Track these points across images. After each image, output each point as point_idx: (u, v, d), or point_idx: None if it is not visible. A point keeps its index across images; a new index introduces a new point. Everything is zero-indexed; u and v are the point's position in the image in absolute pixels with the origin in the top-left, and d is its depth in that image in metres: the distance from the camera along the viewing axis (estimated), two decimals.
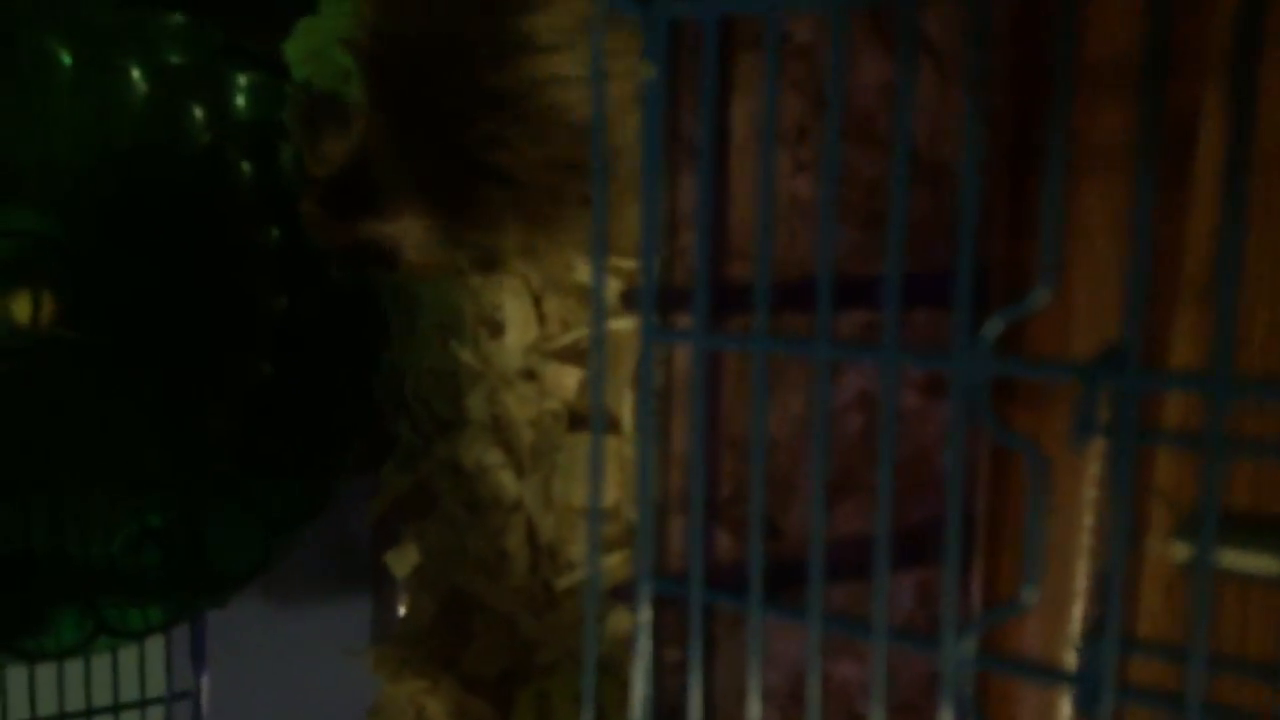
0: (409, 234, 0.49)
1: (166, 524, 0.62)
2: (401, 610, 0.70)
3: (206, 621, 0.70)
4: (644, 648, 0.25)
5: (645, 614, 0.25)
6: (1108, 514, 0.19)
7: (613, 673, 0.51)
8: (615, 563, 0.50)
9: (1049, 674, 0.23)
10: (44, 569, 0.61)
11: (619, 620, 0.51)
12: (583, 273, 0.51)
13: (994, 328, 0.20)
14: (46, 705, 0.65)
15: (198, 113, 0.59)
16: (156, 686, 0.69)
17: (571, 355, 0.53)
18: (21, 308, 0.53)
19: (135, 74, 0.57)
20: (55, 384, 0.60)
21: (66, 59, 0.55)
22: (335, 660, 0.74)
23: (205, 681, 0.69)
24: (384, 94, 0.47)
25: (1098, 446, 0.26)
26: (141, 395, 0.61)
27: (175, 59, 0.56)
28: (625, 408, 0.50)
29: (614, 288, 0.48)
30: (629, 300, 0.26)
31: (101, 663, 0.67)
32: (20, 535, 0.61)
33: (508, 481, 0.59)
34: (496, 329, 0.58)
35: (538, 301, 0.55)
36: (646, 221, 0.24)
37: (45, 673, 0.65)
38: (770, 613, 0.25)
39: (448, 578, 0.65)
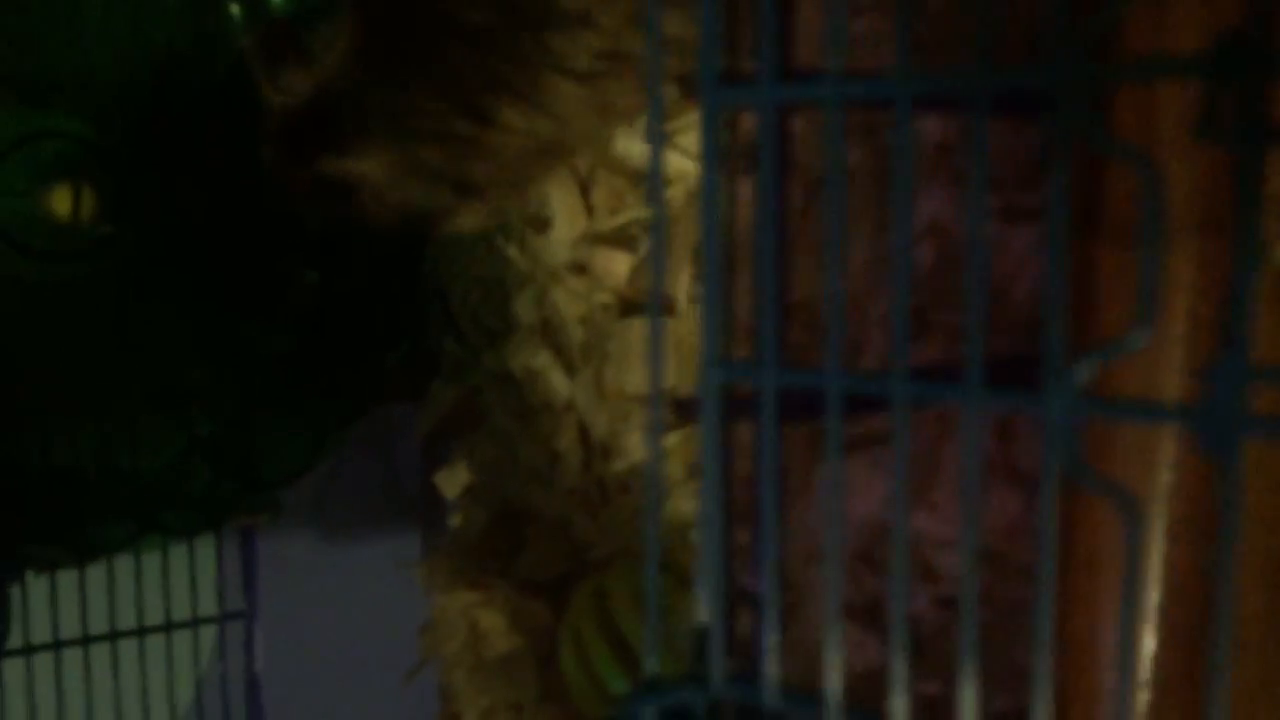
0: (378, 170, 0.46)
1: (214, 433, 0.61)
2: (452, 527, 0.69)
3: (257, 540, 0.69)
4: (712, 448, 0.24)
5: (711, 408, 0.24)
6: (1229, 229, 0.17)
7: (671, 567, 0.50)
8: (671, 444, 0.49)
9: (1167, 414, 0.21)
10: (94, 482, 0.60)
11: (676, 510, 0.49)
12: (631, 151, 0.49)
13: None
14: (98, 624, 0.65)
15: (234, 10, 0.58)
16: (209, 607, 0.69)
17: (621, 240, 0.52)
18: (62, 203, 0.53)
19: None
20: (99, 293, 0.59)
21: None
22: (387, 580, 0.73)
23: (257, 600, 0.68)
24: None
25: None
26: (186, 304, 0.60)
27: None
28: (680, 286, 0.48)
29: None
30: (687, 83, 0.24)
31: (152, 582, 0.66)
32: (69, 449, 0.60)
33: (558, 382, 0.57)
34: (543, 224, 0.56)
35: (585, 190, 0.53)
36: None
37: (96, 591, 0.65)
38: (852, 389, 0.23)
39: (499, 490, 0.64)
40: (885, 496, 0.36)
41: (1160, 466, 0.26)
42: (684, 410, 0.32)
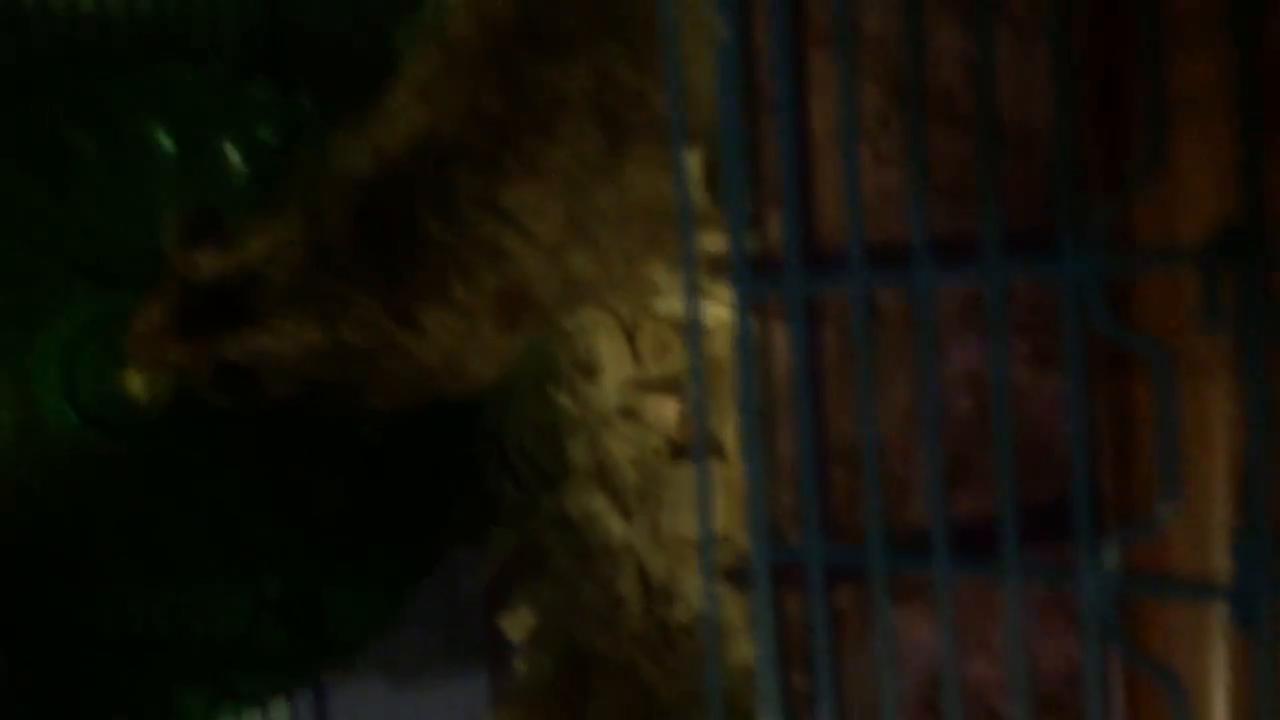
0: (290, 348, 0.48)
1: (284, 595, 0.62)
2: (519, 673, 0.69)
3: (330, 694, 0.70)
4: (764, 616, 0.24)
5: (763, 584, 0.24)
6: (1243, 407, 0.18)
7: (736, 709, 0.50)
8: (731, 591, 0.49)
9: (1198, 590, 0.22)
10: (167, 648, 0.61)
11: (739, 653, 0.49)
12: (673, 302, 0.51)
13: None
14: None
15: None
16: None
17: (670, 386, 0.53)
18: (135, 384, 0.55)
19: (233, 155, 0.59)
20: (169, 461, 0.61)
21: (167, 142, 0.58)
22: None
23: None
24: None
25: (1218, 345, 0.25)
26: (251, 467, 0.62)
27: (267, 135, 0.58)
28: (728, 431, 0.49)
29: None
30: (719, 266, 0.26)
31: None
32: (143, 616, 0.61)
33: (615, 526, 0.58)
34: (591, 370, 0.58)
35: (630, 336, 0.55)
36: (730, 171, 0.24)
37: None
38: (897, 568, 0.23)
39: (564, 634, 0.64)
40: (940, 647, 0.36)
41: (1210, 635, 0.26)
42: (736, 580, 0.33)
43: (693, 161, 0.48)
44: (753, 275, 0.24)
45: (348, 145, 0.48)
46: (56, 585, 0.60)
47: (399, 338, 0.46)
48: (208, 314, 0.48)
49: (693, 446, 0.52)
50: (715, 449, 0.50)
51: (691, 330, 0.26)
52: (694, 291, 0.27)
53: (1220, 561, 0.24)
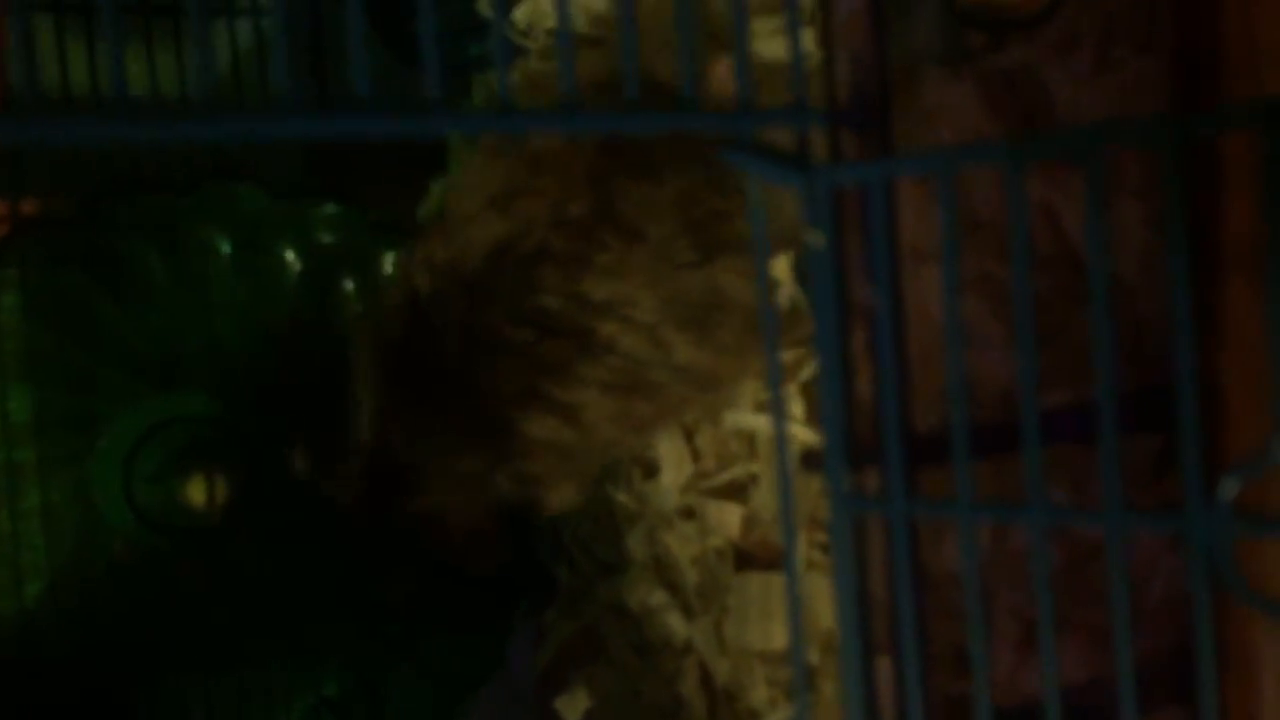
0: (442, 502, 0.49)
1: (344, 693, 0.62)
2: None
3: None
4: None
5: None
6: None
7: None
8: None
9: None
10: None
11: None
12: (737, 417, 0.50)
13: (1230, 488, 0.18)
14: None
15: (348, 285, 0.61)
16: None
17: (731, 491, 0.53)
18: (197, 492, 0.55)
19: (289, 255, 0.59)
20: (232, 563, 0.61)
21: (226, 248, 0.58)
22: None
23: None
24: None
25: None
26: (313, 565, 0.62)
27: (327, 238, 0.59)
28: (798, 548, 0.49)
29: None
30: (810, 460, 0.25)
31: None
32: (203, 713, 0.62)
33: (676, 623, 0.58)
34: (651, 469, 0.58)
35: (690, 438, 0.54)
36: (827, 388, 0.24)
37: None
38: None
39: None
40: None
41: None
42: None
43: (780, 268, 0.47)
44: (853, 494, 0.23)
45: (412, 263, 0.48)
46: (117, 686, 0.60)
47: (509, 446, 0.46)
48: (371, 496, 0.49)
49: (757, 554, 0.52)
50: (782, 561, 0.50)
51: (778, 443, 0.25)
52: (779, 405, 0.26)
53: None
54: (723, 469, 0.53)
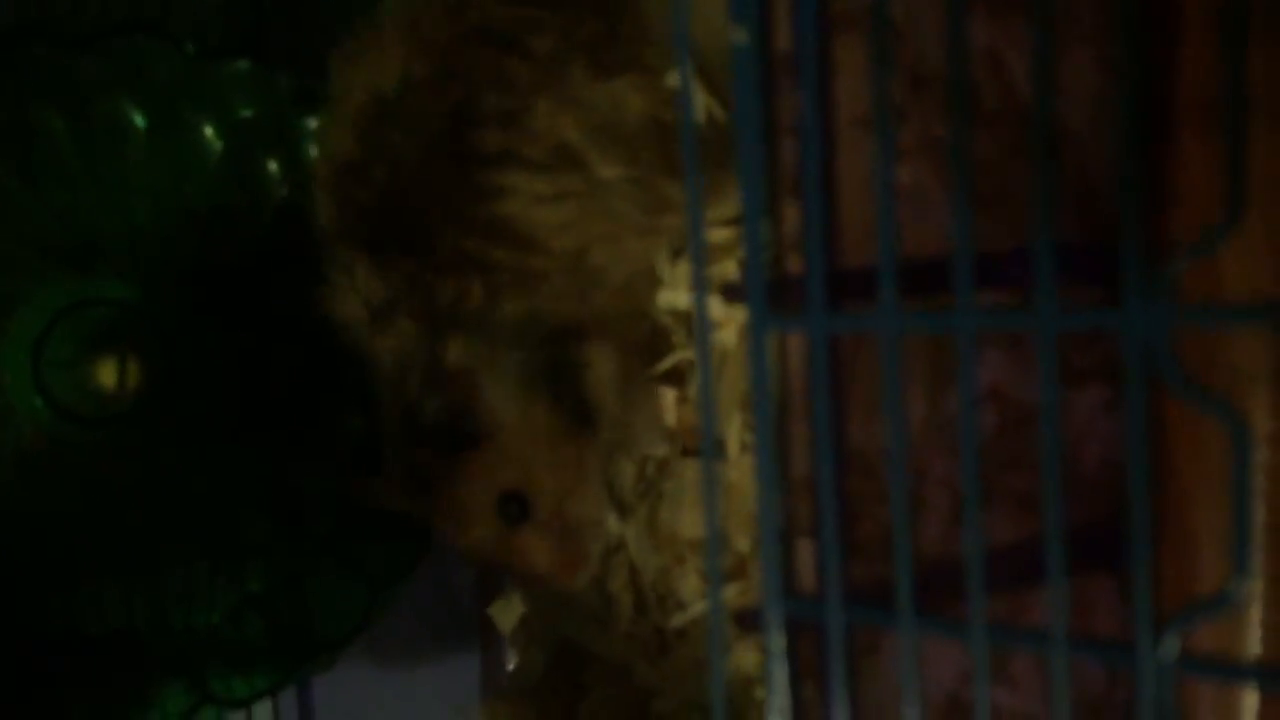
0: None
1: (268, 590, 0.60)
2: (510, 666, 0.67)
3: (314, 688, 0.68)
4: (779, 680, 0.22)
5: (777, 641, 0.22)
6: None
7: (738, 718, 0.48)
8: (728, 596, 0.47)
9: (1270, 675, 0.20)
10: (148, 645, 0.59)
11: (741, 659, 0.47)
12: (673, 295, 0.48)
13: (1177, 266, 0.17)
14: None
15: (272, 166, 0.58)
16: None
17: (670, 378, 0.51)
18: (107, 374, 0.53)
19: (208, 131, 0.56)
20: (148, 455, 0.59)
21: (140, 121, 0.55)
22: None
23: None
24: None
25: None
26: (235, 461, 0.60)
27: (246, 112, 0.56)
28: (732, 431, 0.47)
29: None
30: (732, 292, 0.23)
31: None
32: (122, 613, 0.60)
33: (610, 523, 0.56)
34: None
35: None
36: (749, 199, 0.22)
37: None
38: (924, 628, 0.21)
39: (556, 629, 0.62)
40: (962, 669, 0.35)
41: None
42: (744, 622, 0.31)
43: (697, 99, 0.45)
44: (771, 310, 0.21)
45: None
46: (28, 581, 0.57)
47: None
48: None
49: (693, 443, 0.50)
50: (718, 448, 0.48)
51: (699, 327, 0.24)
52: (701, 283, 0.24)
53: (1250, 635, 0.22)
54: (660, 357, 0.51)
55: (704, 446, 0.26)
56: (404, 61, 0.46)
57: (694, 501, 0.50)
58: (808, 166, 0.21)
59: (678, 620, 0.51)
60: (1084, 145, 0.33)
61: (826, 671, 0.25)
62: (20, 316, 0.56)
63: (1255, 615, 0.32)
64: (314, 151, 0.58)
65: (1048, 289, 0.18)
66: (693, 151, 0.23)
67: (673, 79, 0.40)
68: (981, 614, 0.20)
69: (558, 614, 0.62)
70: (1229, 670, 0.19)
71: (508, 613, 0.68)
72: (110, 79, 0.53)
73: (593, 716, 0.56)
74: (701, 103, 0.41)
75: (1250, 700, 0.22)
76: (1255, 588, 0.24)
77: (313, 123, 0.54)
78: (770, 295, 0.22)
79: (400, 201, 0.48)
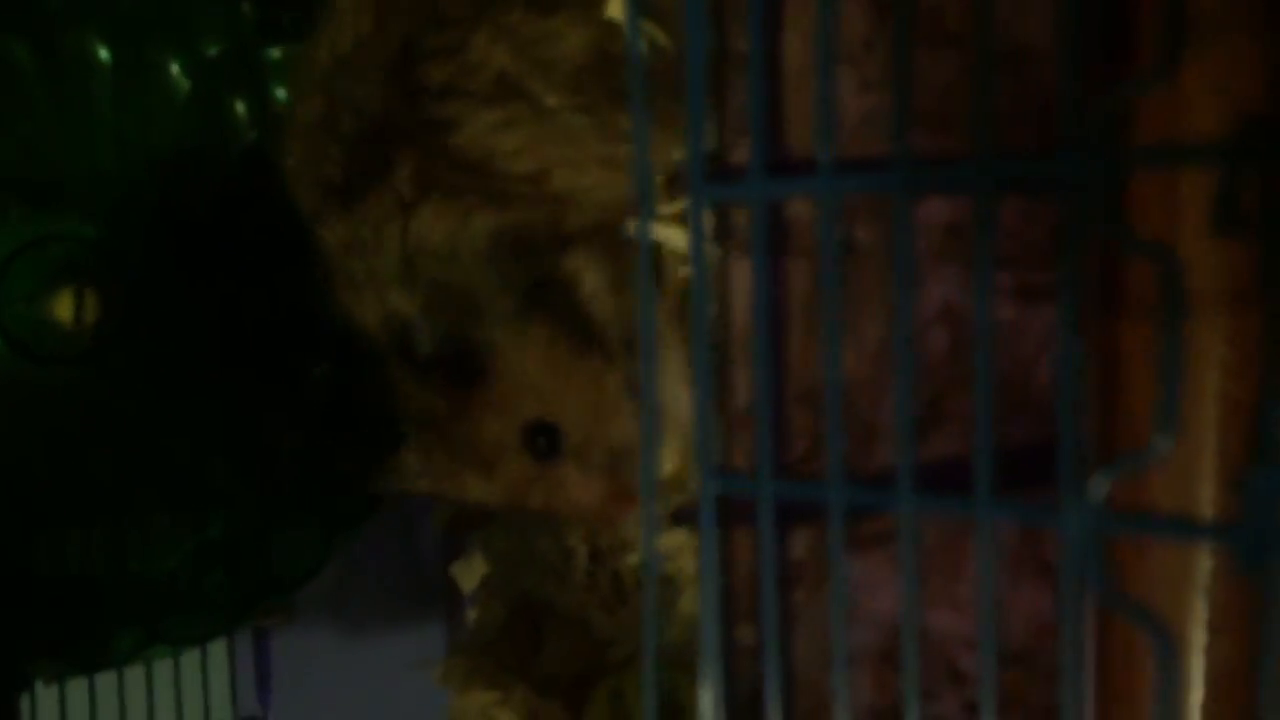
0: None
1: (228, 537, 0.60)
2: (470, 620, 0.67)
3: (271, 641, 0.68)
4: (709, 551, 0.22)
5: (709, 514, 0.22)
6: (1240, 345, 0.16)
7: (687, 666, 0.48)
8: (683, 541, 0.47)
9: (1197, 530, 0.20)
10: (104, 589, 0.59)
11: (687, 605, 0.47)
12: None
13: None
14: None
15: (240, 108, 0.58)
16: (222, 712, 0.67)
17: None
18: (64, 308, 0.52)
19: (175, 69, 0.56)
20: (108, 395, 0.58)
21: (105, 55, 0.54)
22: (408, 680, 0.71)
23: (271, 703, 0.66)
24: None
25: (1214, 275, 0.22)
26: (196, 404, 0.60)
27: (213, 50, 0.55)
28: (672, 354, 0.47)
29: None
30: (674, 183, 0.23)
31: (165, 687, 0.65)
32: (80, 555, 0.59)
33: None
34: None
35: None
36: (692, 73, 0.21)
37: (107, 697, 0.63)
38: (854, 496, 0.21)
39: (516, 584, 0.62)
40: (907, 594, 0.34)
41: (1195, 575, 0.24)
42: (682, 519, 0.31)
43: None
44: (710, 181, 0.21)
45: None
46: None
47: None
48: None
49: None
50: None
51: (642, 259, 0.23)
52: (648, 218, 0.24)
53: (1205, 490, 0.22)
54: None
55: (644, 384, 0.26)
56: (354, 16, 0.47)
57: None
58: (754, 41, 0.21)
59: (634, 562, 0.50)
60: (1043, 60, 0.33)
61: (761, 569, 0.25)
62: None
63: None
64: (281, 94, 0.58)
65: (985, 149, 0.18)
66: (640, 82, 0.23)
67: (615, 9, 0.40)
68: (910, 476, 0.20)
69: (519, 570, 0.62)
70: (1147, 522, 0.18)
71: (470, 573, 0.68)
72: (77, 11, 0.53)
73: (549, 666, 0.55)
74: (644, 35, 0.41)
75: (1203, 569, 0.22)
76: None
77: (277, 54, 0.54)
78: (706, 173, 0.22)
79: (367, 143, 0.48)
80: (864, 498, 0.21)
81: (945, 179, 0.19)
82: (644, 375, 0.25)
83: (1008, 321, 0.32)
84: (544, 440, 0.47)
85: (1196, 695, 0.28)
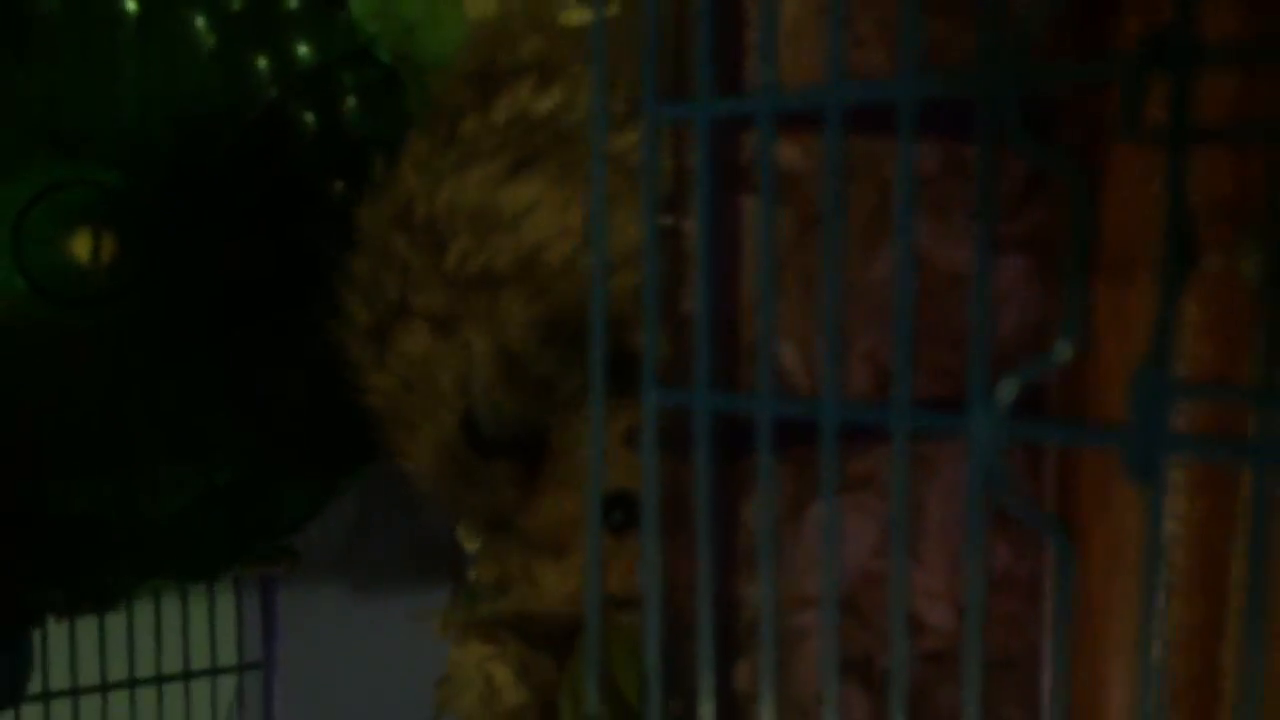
0: None
1: (233, 484, 0.61)
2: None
3: (278, 591, 0.69)
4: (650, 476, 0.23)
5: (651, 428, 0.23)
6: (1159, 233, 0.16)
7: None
8: None
9: (1090, 432, 0.20)
10: (114, 528, 0.60)
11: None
12: None
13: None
14: (117, 671, 0.65)
15: (261, 64, 0.59)
16: (228, 657, 0.68)
17: None
18: (82, 247, 0.53)
19: (199, 23, 0.57)
20: (121, 340, 0.60)
21: (132, 5, 0.56)
22: (409, 634, 0.72)
23: (276, 652, 0.68)
24: None
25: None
26: (205, 351, 0.61)
27: (238, 4, 0.56)
28: None
29: None
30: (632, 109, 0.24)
31: (172, 631, 0.66)
32: (90, 496, 0.60)
33: None
34: None
35: None
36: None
37: (116, 638, 0.65)
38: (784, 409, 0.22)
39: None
40: (872, 544, 0.35)
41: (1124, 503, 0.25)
42: (629, 440, 0.32)
43: None
44: (662, 102, 0.22)
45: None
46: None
47: None
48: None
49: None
50: None
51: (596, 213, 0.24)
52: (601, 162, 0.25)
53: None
54: None
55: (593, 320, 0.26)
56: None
57: None
58: None
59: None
60: None
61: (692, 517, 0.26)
62: (3, 193, 0.56)
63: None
64: (304, 50, 0.59)
65: (910, 69, 0.18)
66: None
67: None
68: (837, 394, 0.20)
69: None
70: (1046, 428, 0.19)
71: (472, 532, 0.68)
72: None
73: (541, 620, 0.56)
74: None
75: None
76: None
77: (295, 4, 0.55)
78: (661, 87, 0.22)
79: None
80: (790, 408, 0.21)
81: (873, 93, 0.19)
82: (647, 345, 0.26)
83: (971, 270, 0.32)
84: (620, 513, 0.47)
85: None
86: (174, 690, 0.66)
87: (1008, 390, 0.18)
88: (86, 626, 0.66)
